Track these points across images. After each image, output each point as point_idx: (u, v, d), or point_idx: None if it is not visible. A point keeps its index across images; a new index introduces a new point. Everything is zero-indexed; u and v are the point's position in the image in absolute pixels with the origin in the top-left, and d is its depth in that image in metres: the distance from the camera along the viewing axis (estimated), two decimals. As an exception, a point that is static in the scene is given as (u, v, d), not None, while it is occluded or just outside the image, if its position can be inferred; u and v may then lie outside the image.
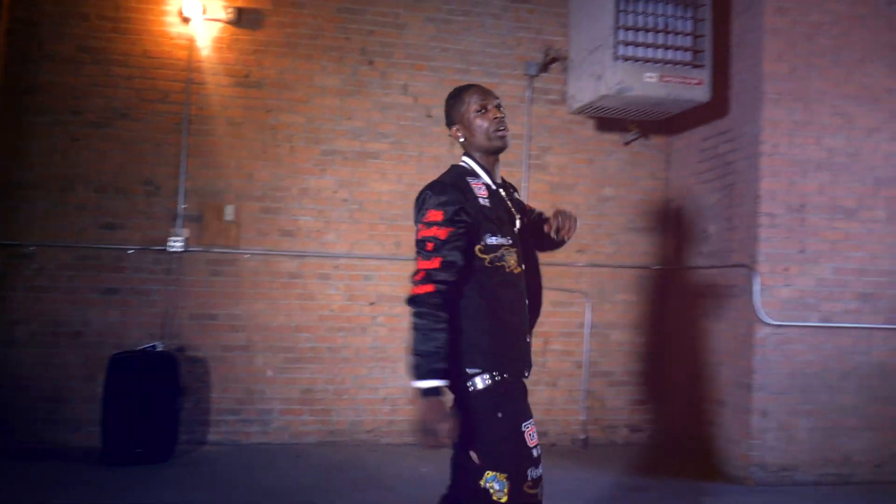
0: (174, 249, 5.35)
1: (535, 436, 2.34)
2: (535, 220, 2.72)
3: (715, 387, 5.35)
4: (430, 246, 2.30)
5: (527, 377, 2.45)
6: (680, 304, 5.92)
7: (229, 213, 5.48)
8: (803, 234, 5.06)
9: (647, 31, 4.91)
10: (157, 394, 4.84)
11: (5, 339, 5.17)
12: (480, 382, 2.30)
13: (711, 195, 5.55)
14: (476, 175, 2.49)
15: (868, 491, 4.85)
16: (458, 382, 2.32)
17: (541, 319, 5.81)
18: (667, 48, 4.94)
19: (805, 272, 5.04)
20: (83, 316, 5.27)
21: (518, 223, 2.53)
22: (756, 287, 4.94)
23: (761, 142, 5.03)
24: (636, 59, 4.87)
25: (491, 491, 2.24)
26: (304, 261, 5.58)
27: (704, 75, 5.00)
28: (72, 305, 5.26)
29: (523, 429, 2.31)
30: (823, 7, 5.13)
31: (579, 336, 5.90)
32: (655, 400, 6.07)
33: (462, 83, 5.76)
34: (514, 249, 2.43)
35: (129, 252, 5.34)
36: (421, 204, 2.39)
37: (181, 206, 5.42)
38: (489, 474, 2.25)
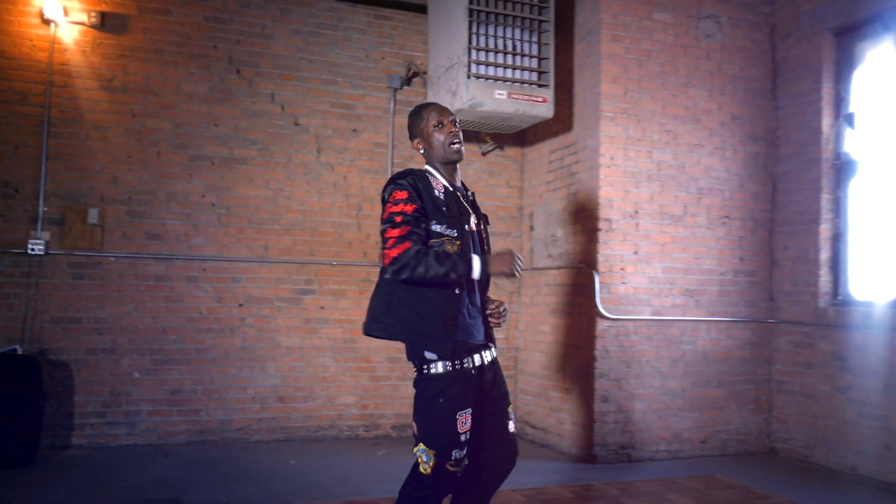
0: (34, 252, 5.28)
1: (468, 423, 2.65)
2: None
3: (563, 376, 5.86)
4: (398, 219, 2.61)
5: (479, 360, 2.72)
6: (532, 302, 6.43)
7: (93, 216, 5.47)
8: (637, 237, 5.66)
9: (497, 52, 5.36)
10: (17, 397, 4.78)
11: None
12: (433, 368, 2.63)
13: (559, 202, 6.09)
14: (435, 178, 2.80)
15: (695, 464, 5.48)
16: (418, 362, 2.66)
17: None
18: (515, 68, 5.41)
19: (638, 271, 5.65)
20: (-66, 321, 5.12)
21: (473, 221, 2.82)
22: (597, 285, 5.49)
23: (600, 154, 5.59)
24: (487, 78, 5.30)
25: (419, 461, 2.62)
26: (171, 264, 5.65)
27: (548, 94, 5.51)
28: (-79, 310, 5.10)
29: (457, 417, 2.62)
30: (652, 37, 5.78)
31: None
32: (511, 390, 6.52)
33: (329, 94, 6.09)
34: (458, 243, 2.69)
35: (-14, 255, 5.24)
36: (386, 190, 2.71)
37: (41, 209, 5.36)
38: (421, 446, 2.62)
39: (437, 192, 2.72)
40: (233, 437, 5.71)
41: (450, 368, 2.62)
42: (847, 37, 5.71)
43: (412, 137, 2.90)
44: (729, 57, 6.01)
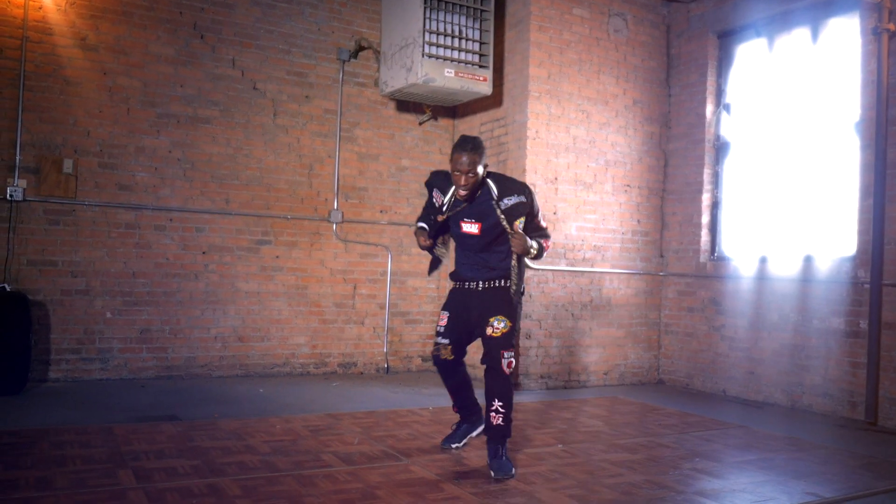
0: (12, 198, 5.61)
1: (445, 319, 4.02)
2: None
3: (490, 319, 6.79)
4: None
5: (469, 286, 4.01)
6: (461, 257, 7.31)
7: (68, 166, 5.84)
8: (557, 200, 6.65)
9: (447, 35, 6.16)
10: (8, 330, 5.17)
11: None
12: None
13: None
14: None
15: (600, 391, 6.56)
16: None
17: (351, 268, 7.32)
18: (461, 50, 6.23)
19: (557, 229, 6.63)
20: (-85, 261, 5.37)
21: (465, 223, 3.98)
22: (523, 239, 6.43)
23: (528, 128, 6.52)
24: (438, 58, 6.10)
25: None
26: (140, 213, 6.11)
27: (488, 74, 6.37)
28: None
29: (441, 313, 4.09)
30: (572, 29, 6.74)
31: (382, 282, 7.06)
32: (440, 336, 7.41)
33: (285, 62, 6.79)
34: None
35: (-36, 200, 5.52)
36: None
37: (18, 158, 5.69)
38: None
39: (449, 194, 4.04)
40: (197, 373, 6.27)
41: (451, 287, 4.17)
42: (727, 39, 6.91)
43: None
44: (632, 50, 7.08)
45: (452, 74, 6.14)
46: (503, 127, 6.83)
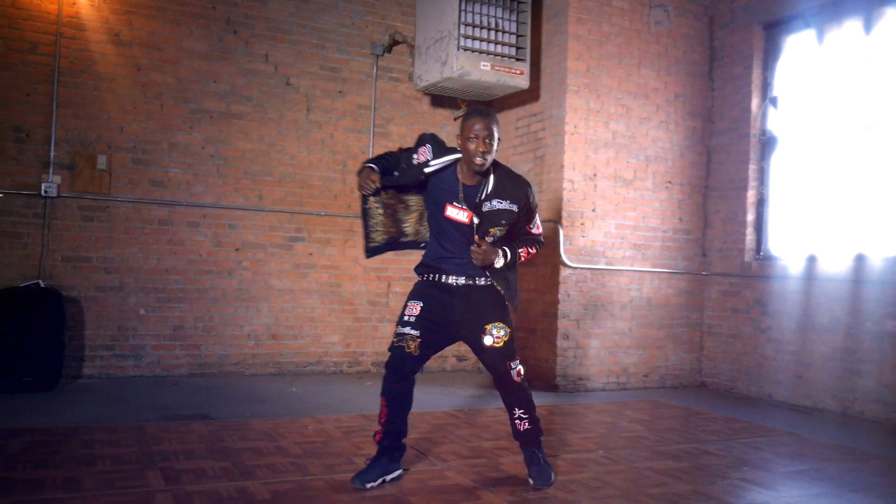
0: (47, 195, 5.60)
1: (417, 308, 3.36)
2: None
3: (527, 318, 6.63)
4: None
5: (448, 281, 3.39)
6: (496, 255, 7.15)
7: (101, 162, 5.82)
8: (595, 196, 6.46)
9: (483, 28, 6.01)
10: (43, 326, 5.15)
11: None
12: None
13: (525, 164, 6.81)
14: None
15: (639, 394, 6.37)
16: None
17: (384, 266, 7.12)
18: (497, 43, 6.08)
19: (595, 227, 6.45)
20: (-49, 256, 5.39)
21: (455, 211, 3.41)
22: (561, 238, 6.26)
23: (566, 123, 6.34)
24: (474, 51, 5.95)
25: None
26: (173, 209, 6.06)
27: (525, 67, 6.20)
28: (-61, 246, 5.36)
29: (407, 303, 3.42)
30: (611, 21, 6.55)
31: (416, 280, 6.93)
32: (475, 335, 7.27)
33: (318, 57, 6.66)
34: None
35: (-1, 196, 5.53)
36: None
37: (52, 154, 5.67)
38: None
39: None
40: (230, 371, 6.21)
41: (419, 279, 3.50)
42: (774, 30, 6.65)
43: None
44: (674, 42, 6.86)
45: (488, 68, 5.99)
46: (540, 122, 6.66)
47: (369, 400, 5.49)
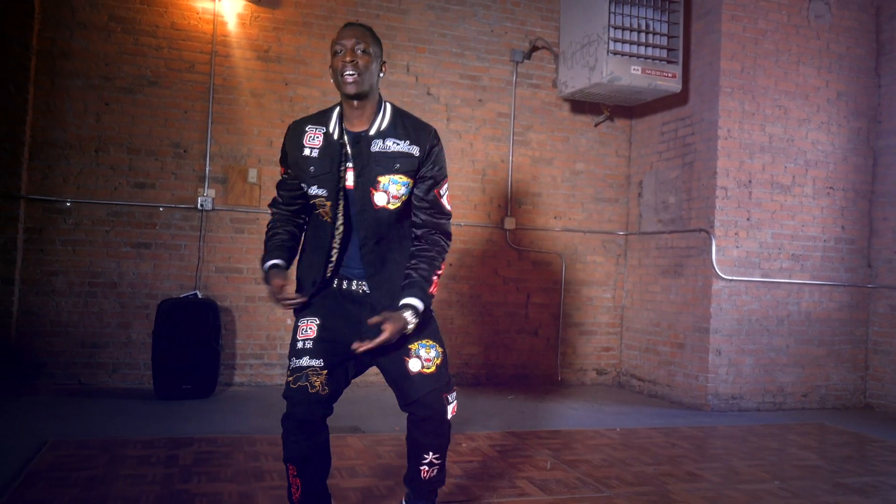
0: (203, 208, 5.81)
1: (313, 329, 2.47)
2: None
3: (674, 332, 6.33)
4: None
5: (351, 287, 2.56)
6: (641, 264, 6.89)
7: (252, 175, 5.98)
8: (750, 204, 6.09)
9: (633, 30, 5.78)
10: (200, 336, 5.33)
11: (45, 289, 5.50)
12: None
13: (671, 171, 6.52)
14: (324, 122, 2.51)
15: (798, 415, 5.95)
16: None
17: (523, 277, 6.88)
18: (647, 45, 5.83)
19: (750, 236, 6.08)
20: (118, 268, 5.67)
21: (351, 177, 2.46)
22: (713, 248, 5.93)
23: (718, 127, 6.01)
24: (624, 55, 5.73)
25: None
26: (319, 221, 6.15)
27: (677, 70, 5.92)
28: (107, 258, 5.65)
29: (299, 321, 2.50)
30: (768, 17, 6.16)
31: (555, 291, 6.77)
32: (618, 347, 7.03)
33: (457, 66, 6.58)
34: (328, 204, 2.45)
35: (160, 209, 5.76)
36: None
37: (207, 168, 5.88)
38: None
39: (306, 151, 2.47)
40: (374, 381, 6.23)
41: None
42: (953, 19, 6.07)
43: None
44: (836, 37, 6.38)
45: (639, 72, 5.75)
46: (689, 126, 6.35)
47: (513, 415, 5.38)
